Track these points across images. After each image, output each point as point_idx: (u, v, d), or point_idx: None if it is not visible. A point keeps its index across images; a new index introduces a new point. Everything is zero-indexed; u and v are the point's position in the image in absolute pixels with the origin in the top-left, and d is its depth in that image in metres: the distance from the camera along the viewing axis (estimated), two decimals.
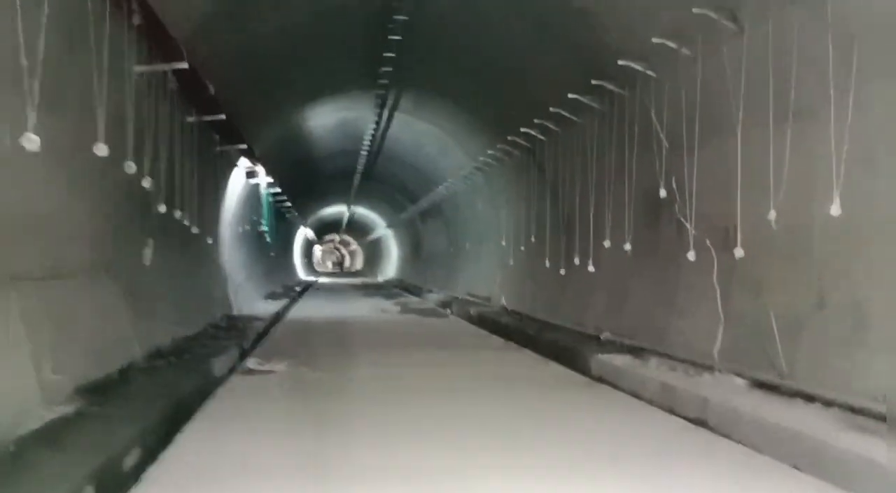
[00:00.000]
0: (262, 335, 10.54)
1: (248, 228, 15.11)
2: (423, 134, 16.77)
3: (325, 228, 44.02)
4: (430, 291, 21.99)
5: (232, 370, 7.55)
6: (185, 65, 6.46)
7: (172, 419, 5.09)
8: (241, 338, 8.99)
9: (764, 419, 4.85)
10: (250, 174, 13.47)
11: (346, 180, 23.98)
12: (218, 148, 10.06)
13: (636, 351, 7.69)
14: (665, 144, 7.63)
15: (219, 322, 10.30)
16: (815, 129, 5.50)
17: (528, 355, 9.33)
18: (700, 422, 5.47)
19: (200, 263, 10.36)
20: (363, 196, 28.52)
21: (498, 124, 12.87)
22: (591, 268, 9.09)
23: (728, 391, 5.69)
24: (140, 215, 7.07)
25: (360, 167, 21.23)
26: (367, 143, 18.02)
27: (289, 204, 19.83)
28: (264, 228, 16.47)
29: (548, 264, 10.76)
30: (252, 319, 11.47)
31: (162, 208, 6.73)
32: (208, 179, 9.43)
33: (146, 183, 5.77)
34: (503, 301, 14.16)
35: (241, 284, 14.05)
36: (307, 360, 8.29)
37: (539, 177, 11.91)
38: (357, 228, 44.18)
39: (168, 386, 5.72)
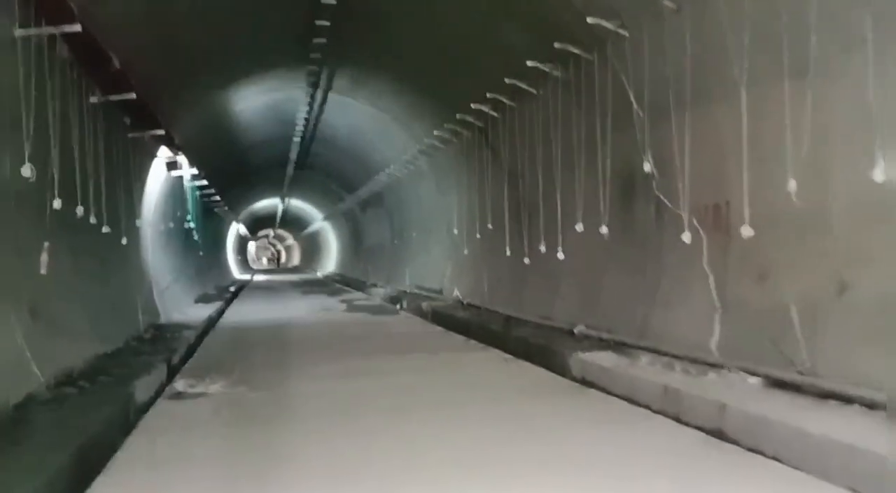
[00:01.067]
0: (193, 347, 9.38)
1: (172, 225, 13.76)
2: (361, 116, 15.61)
3: (258, 223, 42.49)
4: (375, 285, 20.96)
5: (158, 394, 6.43)
6: (77, 27, 5.26)
7: (77, 476, 3.98)
8: (169, 352, 7.85)
9: (804, 430, 4.04)
10: (171, 166, 12.14)
11: (278, 170, 22.64)
12: (130, 134, 8.77)
13: (618, 346, 6.90)
14: (641, 113, 6.81)
15: (143, 334, 9.13)
16: (840, 83, 4.71)
17: (495, 355, 8.41)
18: (717, 433, 4.64)
19: (116, 267, 9.12)
20: (298, 187, 27.22)
21: (445, 102, 11.85)
22: (560, 255, 8.28)
23: (745, 394, 4.89)
24: (33, 215, 5.85)
25: (293, 155, 20.00)
26: (299, 128, 16.79)
27: (217, 198, 18.53)
28: (191, 225, 15.11)
29: (508, 252, 9.88)
30: (181, 327, 10.30)
31: (57, 204, 5.52)
32: (120, 171, 8.16)
33: (26, 171, 4.60)
34: (456, 294, 13.23)
35: (167, 287, 12.76)
36: (245, 376, 7.19)
37: (494, 157, 11.00)
38: (292, 222, 42.75)
39: (75, 424, 4.60)
